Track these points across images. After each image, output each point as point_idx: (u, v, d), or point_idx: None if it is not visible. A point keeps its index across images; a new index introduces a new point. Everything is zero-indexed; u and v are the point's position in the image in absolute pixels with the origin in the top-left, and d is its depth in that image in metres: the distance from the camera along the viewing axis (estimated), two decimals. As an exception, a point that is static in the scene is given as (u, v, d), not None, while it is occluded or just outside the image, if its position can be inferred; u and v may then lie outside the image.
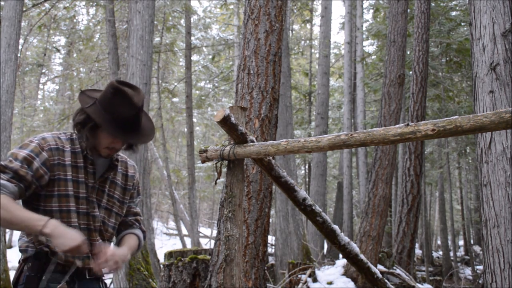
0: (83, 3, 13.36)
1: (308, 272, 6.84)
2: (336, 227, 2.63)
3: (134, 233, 2.12)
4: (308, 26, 20.62)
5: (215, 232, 18.29)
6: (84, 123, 1.88)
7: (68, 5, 12.62)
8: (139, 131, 1.95)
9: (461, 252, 20.84)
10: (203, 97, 16.42)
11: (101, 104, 1.88)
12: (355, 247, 2.71)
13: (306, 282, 6.61)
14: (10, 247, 12.91)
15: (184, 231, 16.85)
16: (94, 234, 1.92)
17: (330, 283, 6.81)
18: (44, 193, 1.85)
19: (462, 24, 11.80)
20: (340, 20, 20.47)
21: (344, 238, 2.66)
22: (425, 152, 13.52)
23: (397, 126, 1.66)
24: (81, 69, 14.96)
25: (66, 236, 1.68)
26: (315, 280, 6.85)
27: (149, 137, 2.00)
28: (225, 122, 1.92)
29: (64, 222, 1.81)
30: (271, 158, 2.22)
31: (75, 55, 15.61)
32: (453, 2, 12.48)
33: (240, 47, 4.49)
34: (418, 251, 18.46)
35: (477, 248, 17.62)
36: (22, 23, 9.46)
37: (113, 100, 1.87)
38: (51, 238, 1.68)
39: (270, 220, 6.81)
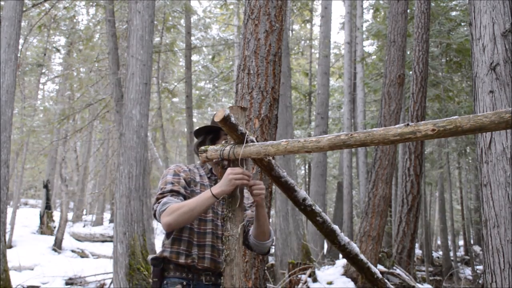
0: (83, 3, 13.36)
1: (308, 272, 6.84)
2: (336, 227, 2.62)
3: None
4: (308, 26, 20.62)
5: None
6: (204, 141, 2.36)
7: (68, 5, 12.61)
8: None
9: (461, 252, 20.84)
10: (203, 97, 16.41)
11: (211, 123, 2.39)
12: (355, 247, 2.71)
13: (306, 282, 6.61)
14: (10, 247, 12.88)
15: (184, 231, 16.81)
16: (216, 239, 2.27)
17: (330, 283, 6.81)
18: None
19: (462, 24, 11.80)
20: (340, 20, 20.48)
21: (344, 238, 2.66)
22: (425, 152, 13.52)
23: (397, 126, 1.66)
24: (81, 69, 14.96)
25: (224, 183, 2.02)
26: (315, 280, 6.86)
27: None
28: (225, 122, 1.92)
29: (199, 228, 2.23)
30: (271, 158, 2.22)
31: (75, 55, 15.61)
32: (453, 2, 12.48)
33: (240, 47, 4.48)
34: (418, 251, 18.45)
35: (477, 248, 17.62)
36: (22, 23, 9.47)
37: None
38: (222, 192, 2.03)
39: (270, 220, 6.80)
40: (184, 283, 2.15)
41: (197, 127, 2.45)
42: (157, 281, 2.19)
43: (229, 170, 2.04)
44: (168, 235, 2.23)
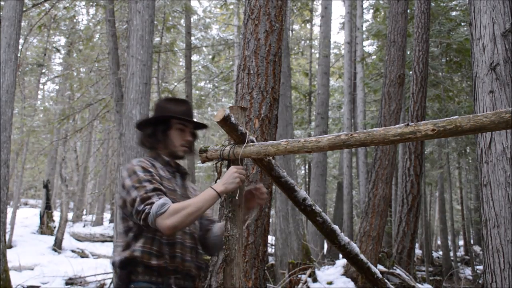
0: (83, 3, 13.36)
1: (308, 272, 6.84)
2: (336, 227, 2.62)
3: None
4: (308, 26, 20.62)
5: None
6: (154, 133, 2.18)
7: (68, 5, 12.61)
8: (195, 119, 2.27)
9: (461, 252, 20.83)
10: (203, 97, 16.42)
11: (157, 112, 2.22)
12: (355, 247, 2.71)
13: (306, 282, 6.61)
14: (10, 247, 12.87)
15: (184, 231, 16.82)
16: (184, 235, 2.12)
17: (330, 283, 6.81)
18: None
19: (462, 24, 11.80)
20: (340, 20, 20.48)
21: (344, 238, 2.66)
22: (425, 152, 13.52)
23: (397, 126, 1.66)
24: (81, 69, 14.95)
25: (229, 181, 1.97)
26: (315, 280, 6.85)
27: (204, 123, 2.32)
28: (225, 122, 1.92)
29: None
30: (271, 158, 2.22)
31: (75, 55, 15.60)
32: (453, 2, 12.48)
33: (240, 47, 4.47)
34: (418, 251, 18.45)
35: (477, 248, 17.61)
36: (22, 23, 9.46)
37: (165, 104, 2.23)
38: (226, 190, 1.98)
39: (270, 220, 6.81)
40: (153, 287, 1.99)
41: (141, 119, 2.23)
42: (121, 285, 2.02)
43: (233, 167, 2.00)
44: (136, 235, 2.02)
